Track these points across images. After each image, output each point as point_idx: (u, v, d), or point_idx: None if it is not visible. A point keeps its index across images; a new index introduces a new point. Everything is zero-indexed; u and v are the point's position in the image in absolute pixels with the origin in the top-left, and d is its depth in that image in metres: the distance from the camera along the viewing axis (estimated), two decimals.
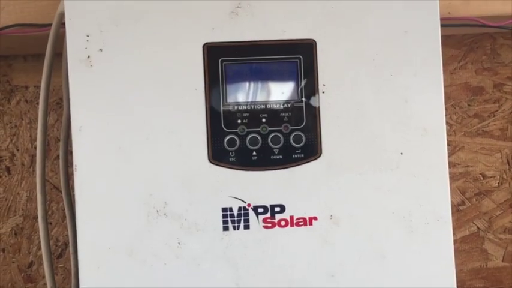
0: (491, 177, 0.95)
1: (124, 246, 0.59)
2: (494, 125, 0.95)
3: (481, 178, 0.95)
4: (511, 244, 0.95)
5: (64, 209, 0.87)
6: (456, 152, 0.94)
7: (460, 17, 0.79)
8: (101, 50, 0.60)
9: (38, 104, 0.88)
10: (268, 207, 0.61)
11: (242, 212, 0.61)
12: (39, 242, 0.88)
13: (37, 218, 0.88)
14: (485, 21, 0.80)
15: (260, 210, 0.61)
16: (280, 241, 0.61)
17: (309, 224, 0.61)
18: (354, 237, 0.61)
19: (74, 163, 0.59)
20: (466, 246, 0.94)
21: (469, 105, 0.95)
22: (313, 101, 0.62)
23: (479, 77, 0.95)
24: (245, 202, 0.61)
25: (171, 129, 0.60)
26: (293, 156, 0.61)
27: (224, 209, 0.60)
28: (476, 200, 0.95)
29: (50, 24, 0.71)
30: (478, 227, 0.95)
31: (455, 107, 0.94)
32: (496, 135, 0.95)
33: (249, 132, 0.61)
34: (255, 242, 0.61)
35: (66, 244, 0.89)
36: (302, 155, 0.61)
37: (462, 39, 0.95)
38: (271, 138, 0.61)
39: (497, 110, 0.95)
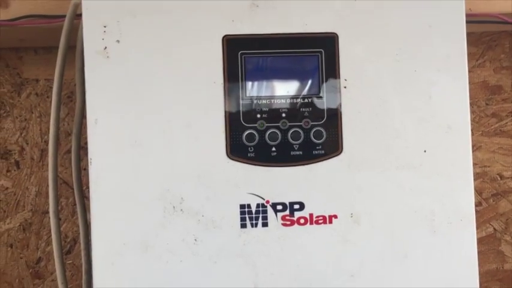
0: (508, 177, 0.93)
1: (139, 242, 0.58)
2: None
3: (499, 178, 0.93)
4: None
5: (74, 205, 0.86)
6: (473, 152, 0.93)
7: (481, 14, 0.78)
8: (118, 41, 0.59)
9: (48, 97, 0.87)
10: (287, 204, 0.59)
11: (260, 209, 0.59)
12: (48, 237, 0.87)
13: (46, 213, 0.87)
14: (506, 18, 0.78)
15: (279, 207, 0.59)
16: (299, 239, 0.59)
17: (329, 222, 0.60)
18: (374, 236, 0.60)
19: (89, 156, 0.57)
20: (482, 248, 0.93)
21: (486, 104, 0.93)
22: (334, 96, 0.60)
23: (497, 75, 0.93)
24: (264, 199, 0.59)
25: (189, 123, 0.59)
26: (313, 152, 0.60)
27: (242, 206, 0.59)
28: (493, 201, 0.93)
29: (63, 16, 0.70)
30: (494, 228, 0.94)
31: (473, 106, 0.93)
32: None
33: (268, 127, 0.60)
34: (274, 240, 0.59)
35: (75, 240, 0.88)
36: (323, 152, 0.60)
37: (480, 37, 0.93)
38: (291, 133, 0.60)
39: None
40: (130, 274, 0.58)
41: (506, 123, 0.93)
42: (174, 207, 0.58)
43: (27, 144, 0.88)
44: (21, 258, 0.88)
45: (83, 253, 0.74)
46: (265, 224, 0.59)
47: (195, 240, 0.59)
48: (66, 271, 0.87)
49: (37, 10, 0.75)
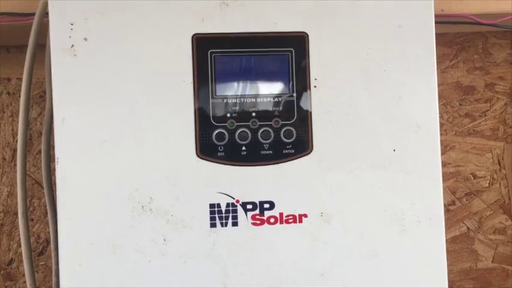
0: (481, 177, 0.94)
1: (107, 243, 0.57)
2: (486, 124, 0.94)
3: (472, 178, 0.94)
4: (501, 245, 0.95)
5: (46, 206, 0.85)
6: (447, 152, 0.93)
7: (453, 14, 0.79)
8: (85, 39, 0.58)
9: (20, 96, 0.86)
10: (257, 203, 0.59)
11: (230, 208, 0.59)
12: (20, 238, 0.85)
13: (18, 214, 0.85)
14: (478, 18, 0.79)
15: (249, 206, 0.59)
16: (269, 239, 0.59)
17: (299, 222, 0.60)
18: (345, 235, 0.60)
19: (56, 156, 0.57)
20: (456, 247, 0.94)
21: (460, 104, 0.94)
22: (304, 96, 0.60)
23: (470, 76, 0.94)
24: (233, 198, 0.59)
25: (158, 122, 0.58)
26: (283, 151, 0.60)
27: (212, 205, 0.59)
28: (467, 200, 0.94)
29: (34, 14, 0.69)
30: (468, 228, 0.94)
31: (447, 106, 0.94)
32: (487, 135, 0.94)
33: (238, 127, 0.60)
34: (244, 240, 0.59)
35: (47, 241, 0.87)
36: (293, 151, 0.60)
37: (454, 38, 0.94)
38: (261, 133, 0.60)
39: (488, 110, 0.94)
40: (98, 275, 0.57)
41: (480, 123, 0.94)
42: (142, 206, 0.58)
43: None
44: None
45: (53, 254, 0.73)
46: (235, 224, 0.59)
47: (164, 240, 0.58)
48: (39, 272, 0.86)
49: (7, 8, 0.74)
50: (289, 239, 0.59)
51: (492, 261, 0.94)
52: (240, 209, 0.59)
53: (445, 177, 0.93)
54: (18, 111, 0.86)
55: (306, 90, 0.60)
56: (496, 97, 0.94)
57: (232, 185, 0.59)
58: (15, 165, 0.86)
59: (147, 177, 0.58)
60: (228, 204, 0.59)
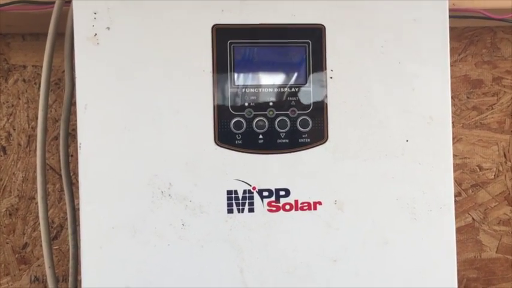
0: (487, 169, 0.96)
1: (127, 226, 0.59)
2: (492, 117, 0.96)
3: (478, 170, 0.96)
4: (505, 236, 0.97)
5: (60, 191, 0.87)
6: (454, 144, 0.95)
7: (464, 9, 0.80)
8: (108, 28, 0.59)
9: (36, 83, 0.87)
10: (273, 190, 0.61)
11: (247, 195, 0.61)
12: (35, 223, 0.87)
13: (32, 199, 0.87)
14: (489, 13, 0.80)
15: (265, 193, 0.61)
16: (284, 225, 0.61)
17: (314, 209, 0.61)
18: (357, 223, 0.62)
19: (79, 141, 0.58)
20: (461, 237, 0.96)
21: (468, 97, 0.96)
22: (320, 86, 0.62)
23: (478, 70, 0.96)
24: (250, 185, 0.61)
25: (178, 110, 0.60)
26: (299, 140, 0.61)
27: (229, 192, 0.60)
28: (472, 192, 0.96)
29: (52, 3, 0.70)
30: (473, 218, 0.96)
31: (454, 99, 0.95)
32: (493, 128, 0.96)
33: (256, 116, 0.61)
34: (259, 225, 0.61)
35: (61, 226, 0.88)
36: (308, 140, 0.61)
37: (463, 32, 0.95)
38: (278, 122, 0.61)
39: (495, 103, 0.96)
40: (118, 258, 0.59)
41: (486, 116, 0.96)
42: (162, 192, 0.60)
43: (14, 130, 0.88)
44: (7, 243, 0.88)
45: (70, 238, 0.75)
46: (251, 210, 0.61)
47: (183, 224, 0.60)
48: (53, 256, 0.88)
49: None
50: (303, 225, 0.61)
51: (496, 252, 0.97)
52: (256, 196, 0.61)
53: None
54: (34, 98, 0.87)
55: (322, 81, 0.62)
56: (503, 91, 0.96)
57: (249, 172, 0.61)
58: (30, 151, 0.88)
59: (167, 164, 0.60)
60: (244, 191, 0.61)
